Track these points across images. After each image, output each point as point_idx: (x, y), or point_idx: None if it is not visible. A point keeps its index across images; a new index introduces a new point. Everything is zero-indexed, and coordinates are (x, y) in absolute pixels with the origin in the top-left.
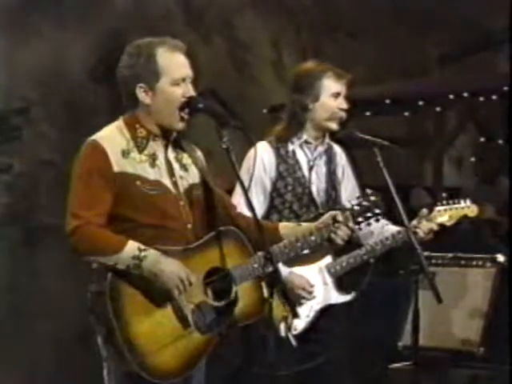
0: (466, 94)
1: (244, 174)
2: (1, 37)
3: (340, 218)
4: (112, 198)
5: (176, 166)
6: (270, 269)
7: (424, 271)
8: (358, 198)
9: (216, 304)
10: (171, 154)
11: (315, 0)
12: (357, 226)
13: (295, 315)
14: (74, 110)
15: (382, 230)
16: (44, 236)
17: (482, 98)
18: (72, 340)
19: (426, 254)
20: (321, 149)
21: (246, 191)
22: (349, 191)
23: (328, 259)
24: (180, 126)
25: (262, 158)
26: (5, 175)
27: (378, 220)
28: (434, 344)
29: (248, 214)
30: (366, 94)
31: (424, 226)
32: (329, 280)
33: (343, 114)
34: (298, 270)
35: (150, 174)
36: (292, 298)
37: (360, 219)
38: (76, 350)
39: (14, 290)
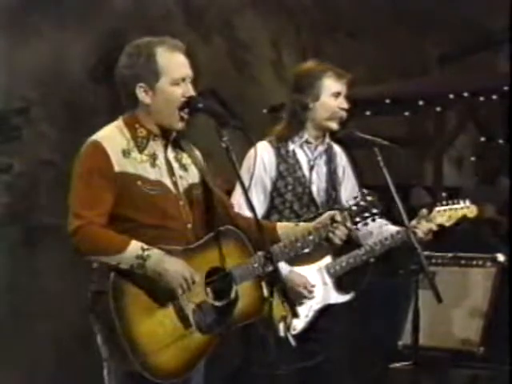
0: (466, 94)
1: (244, 174)
2: (1, 37)
3: (338, 217)
4: (113, 197)
5: (176, 165)
6: (270, 268)
7: (424, 271)
8: (355, 197)
9: (217, 304)
10: (171, 154)
11: (315, 0)
12: (354, 226)
13: (295, 315)
14: (74, 110)
15: (381, 230)
16: (44, 236)
17: (482, 98)
18: (72, 340)
19: (426, 253)
20: (321, 148)
21: (246, 191)
22: (349, 191)
23: (327, 259)
24: (180, 125)
25: (262, 158)
26: (5, 175)
27: (374, 220)
28: (434, 344)
29: (248, 213)
30: (366, 94)
31: (423, 227)
32: (328, 280)
33: (343, 114)
34: (298, 269)
35: (151, 173)
36: (292, 297)
37: (358, 219)
38: (76, 350)
39: (14, 289)
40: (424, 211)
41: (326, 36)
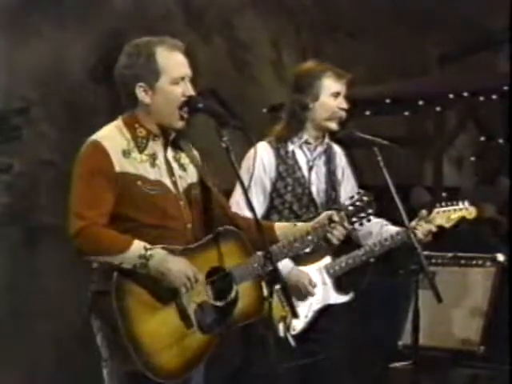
0: (466, 94)
1: (244, 174)
2: (1, 37)
3: (336, 218)
4: (114, 197)
5: (175, 165)
6: (270, 268)
7: (424, 271)
8: (351, 198)
9: (217, 304)
10: (170, 154)
11: (315, 0)
12: (351, 226)
13: (294, 315)
14: (74, 110)
15: (380, 230)
16: (44, 236)
17: (482, 98)
18: (72, 340)
19: (425, 253)
20: (320, 149)
21: (246, 191)
22: (348, 191)
23: (327, 260)
24: (180, 124)
25: (261, 159)
26: (5, 175)
27: (369, 220)
28: (434, 343)
29: (247, 213)
30: (366, 94)
31: (423, 228)
32: (328, 280)
33: (343, 114)
34: None
35: (151, 173)
36: (293, 295)
37: (354, 219)
38: (76, 350)
39: (13, 289)
40: (424, 212)
41: (326, 36)
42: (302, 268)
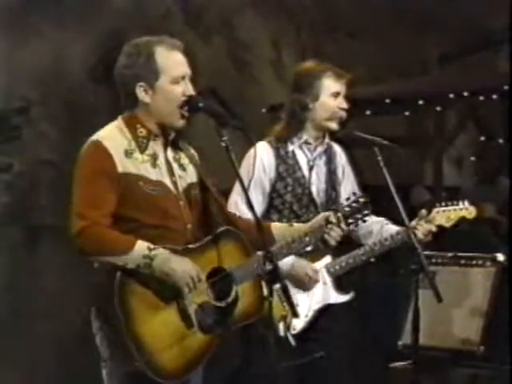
0: (466, 94)
1: (243, 174)
2: (1, 37)
3: (332, 219)
4: (116, 198)
5: (175, 165)
6: (270, 268)
7: (424, 270)
8: (347, 199)
9: (218, 304)
10: (170, 154)
11: (315, 0)
12: (347, 228)
13: (295, 315)
14: (74, 110)
15: (381, 229)
16: (44, 236)
17: (482, 98)
18: (72, 340)
19: (426, 253)
20: (320, 149)
21: (245, 190)
22: (348, 191)
23: (327, 259)
24: (181, 123)
25: (261, 159)
26: (5, 175)
27: (364, 221)
28: (434, 343)
29: (246, 213)
30: (366, 94)
31: (423, 228)
32: (328, 280)
33: (343, 114)
34: None
35: (152, 174)
36: (299, 286)
37: (350, 220)
38: (76, 350)
39: (13, 289)
40: (423, 212)
41: (326, 36)
42: None
